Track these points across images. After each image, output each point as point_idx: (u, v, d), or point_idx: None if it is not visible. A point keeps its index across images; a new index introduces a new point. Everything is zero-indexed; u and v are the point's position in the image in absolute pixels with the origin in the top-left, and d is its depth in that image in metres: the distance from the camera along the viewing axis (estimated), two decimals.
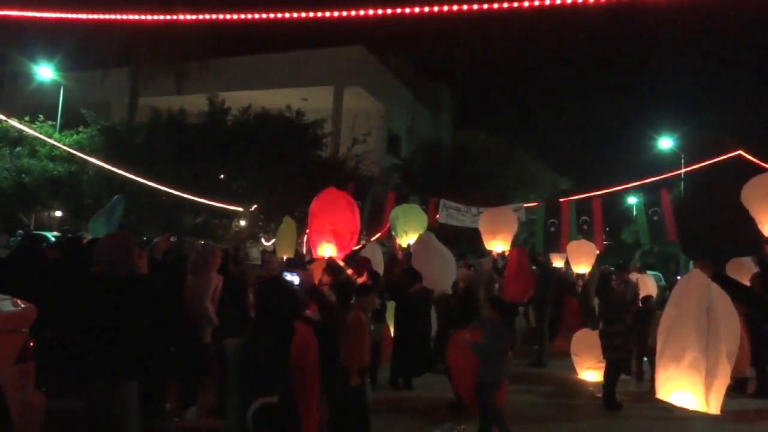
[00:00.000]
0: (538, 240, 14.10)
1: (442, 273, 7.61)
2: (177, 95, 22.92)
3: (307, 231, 6.98)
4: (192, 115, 19.21)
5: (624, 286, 8.39)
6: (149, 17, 10.94)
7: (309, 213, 6.94)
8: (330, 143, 20.72)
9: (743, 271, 8.03)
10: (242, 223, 18.12)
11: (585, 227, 13.74)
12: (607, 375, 7.50)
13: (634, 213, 19.73)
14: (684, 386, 4.56)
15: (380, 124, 24.93)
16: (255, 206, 16.92)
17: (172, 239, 8.68)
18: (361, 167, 19.30)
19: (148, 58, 22.64)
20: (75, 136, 20.99)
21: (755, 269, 8.03)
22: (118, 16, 10.52)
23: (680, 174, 16.40)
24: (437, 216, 14.07)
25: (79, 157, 17.59)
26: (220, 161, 16.85)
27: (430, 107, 32.49)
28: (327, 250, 6.55)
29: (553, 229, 13.92)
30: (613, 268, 10.03)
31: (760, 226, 6.98)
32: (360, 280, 6.35)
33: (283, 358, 3.20)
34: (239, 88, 23.84)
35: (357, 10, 7.72)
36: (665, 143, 28.68)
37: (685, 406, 4.72)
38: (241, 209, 16.48)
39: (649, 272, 14.94)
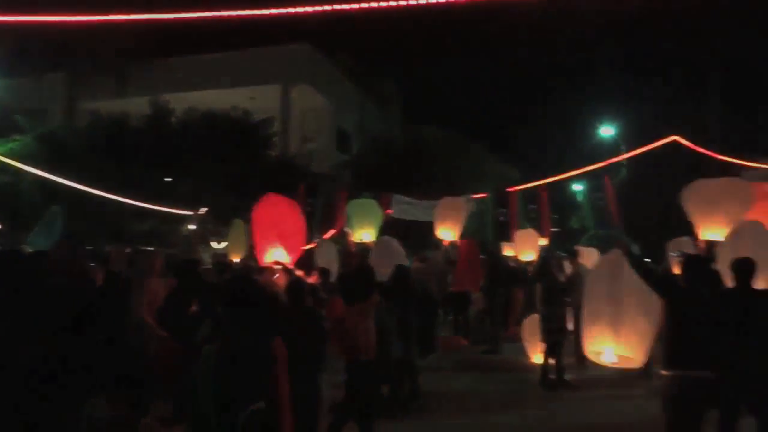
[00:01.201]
0: (488, 230, 14.45)
1: None
2: (119, 98, 22.15)
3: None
4: (135, 118, 18.66)
5: (575, 273, 8.63)
6: (82, 18, 10.51)
7: (251, 222, 6.88)
8: (279, 142, 20.52)
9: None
10: (192, 227, 17.72)
11: (533, 216, 14.13)
12: (545, 356, 7.75)
13: (579, 200, 20.38)
14: (604, 343, 5.30)
15: (329, 121, 24.79)
16: (204, 209, 16.59)
17: (127, 250, 8.44)
18: (311, 165, 19.19)
19: (85, 60, 21.80)
20: (9, 145, 20.02)
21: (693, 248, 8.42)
22: (49, 18, 10.08)
23: (621, 161, 17.02)
24: (389, 211, 14.18)
25: (14, 166, 16.78)
26: (166, 164, 16.43)
27: (380, 103, 32.56)
28: (276, 255, 6.50)
29: (502, 218, 14.29)
30: (565, 254, 10.34)
31: (696, 230, 7.29)
32: (311, 280, 6.34)
33: (270, 364, 3.18)
34: (185, 89, 23.23)
35: (302, 6, 7.66)
36: (606, 131, 29.65)
37: (607, 362, 5.43)
38: (190, 213, 16.12)
39: None
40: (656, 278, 4.48)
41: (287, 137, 21.25)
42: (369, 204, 11.81)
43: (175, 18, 8.37)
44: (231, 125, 17.43)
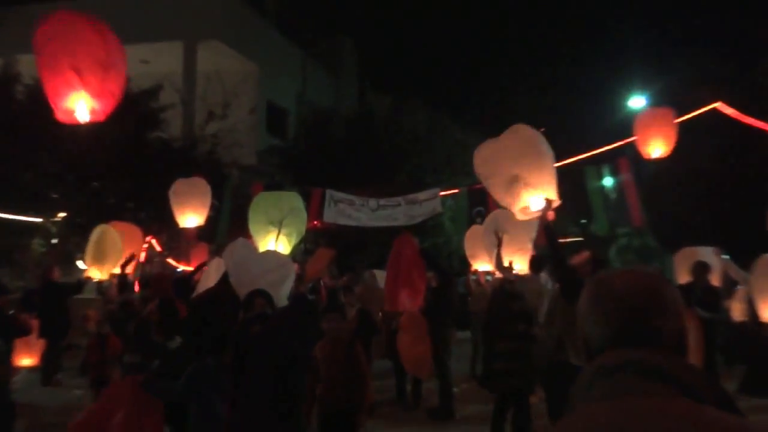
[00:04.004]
0: (461, 236, 13.48)
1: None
2: None
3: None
4: None
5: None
6: None
7: (34, 46, 5.91)
8: (181, 119, 19.36)
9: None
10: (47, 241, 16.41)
11: None
12: None
13: (587, 192, 19.56)
14: None
15: (254, 92, 23.56)
16: (63, 215, 15.33)
17: None
18: (220, 150, 18.08)
19: None
20: None
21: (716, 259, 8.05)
22: None
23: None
24: (316, 223, 13.32)
25: None
26: (10, 153, 15.11)
27: (329, 69, 31.64)
28: (80, 103, 5.65)
29: (479, 220, 13.36)
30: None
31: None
32: None
33: None
34: None
35: None
36: (637, 102, 29.10)
37: None
38: (40, 220, 14.85)
39: None
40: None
41: (192, 113, 20.02)
42: (282, 198, 10.68)
43: None
44: None
